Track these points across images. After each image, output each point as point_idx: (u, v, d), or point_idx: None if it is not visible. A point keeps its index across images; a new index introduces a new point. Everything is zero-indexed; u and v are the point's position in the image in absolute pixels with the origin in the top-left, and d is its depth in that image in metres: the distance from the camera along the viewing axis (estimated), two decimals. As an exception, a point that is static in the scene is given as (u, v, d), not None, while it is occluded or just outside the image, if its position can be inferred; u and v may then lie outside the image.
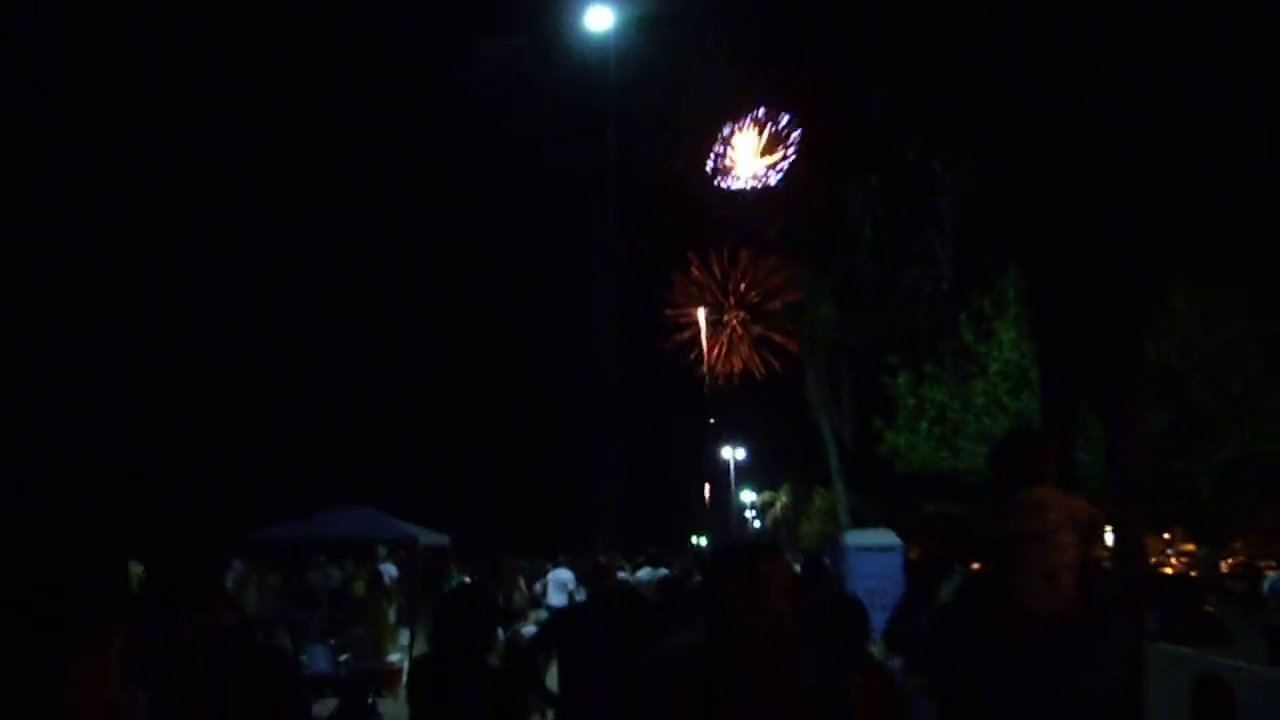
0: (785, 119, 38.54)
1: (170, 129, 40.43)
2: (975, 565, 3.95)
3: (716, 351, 45.38)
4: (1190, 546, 28.32)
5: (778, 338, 43.74)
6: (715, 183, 39.43)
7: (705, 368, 44.68)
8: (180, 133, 40.76)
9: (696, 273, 44.85)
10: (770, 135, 39.05)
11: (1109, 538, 13.25)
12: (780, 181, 37.67)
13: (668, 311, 44.95)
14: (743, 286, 45.07)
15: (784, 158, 38.03)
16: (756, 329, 45.12)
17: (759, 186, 38.55)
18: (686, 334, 45.31)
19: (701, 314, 44.90)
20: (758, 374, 45.21)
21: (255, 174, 44.46)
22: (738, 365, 45.20)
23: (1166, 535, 28.56)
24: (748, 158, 39.17)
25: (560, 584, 18.12)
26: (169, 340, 38.78)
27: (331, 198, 47.48)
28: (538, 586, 19.80)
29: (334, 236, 47.70)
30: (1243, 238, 12.35)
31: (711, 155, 39.22)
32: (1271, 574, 18.68)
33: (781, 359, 43.65)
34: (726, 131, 39.13)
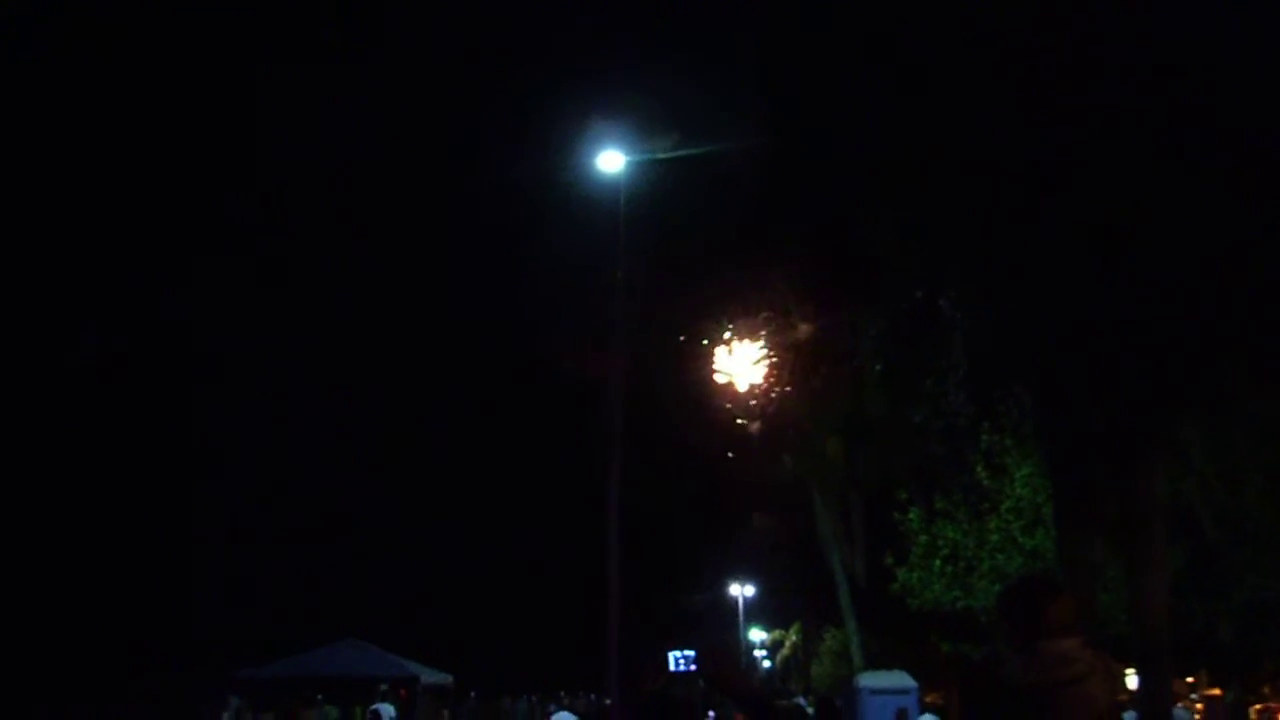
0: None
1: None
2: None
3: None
4: (1216, 691, 27.43)
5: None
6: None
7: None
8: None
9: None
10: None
11: (1132, 681, 12.87)
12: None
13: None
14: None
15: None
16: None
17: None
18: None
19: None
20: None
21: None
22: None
23: (1190, 679, 27.71)
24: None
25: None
26: (157, 472, 38.57)
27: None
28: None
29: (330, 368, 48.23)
30: (1248, 367, 12.36)
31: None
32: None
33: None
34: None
